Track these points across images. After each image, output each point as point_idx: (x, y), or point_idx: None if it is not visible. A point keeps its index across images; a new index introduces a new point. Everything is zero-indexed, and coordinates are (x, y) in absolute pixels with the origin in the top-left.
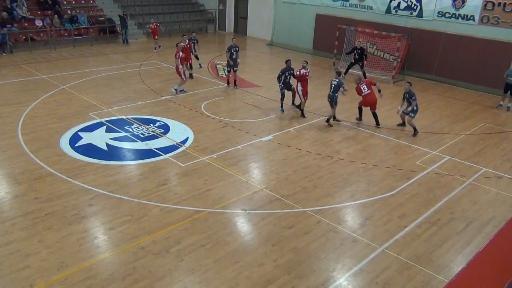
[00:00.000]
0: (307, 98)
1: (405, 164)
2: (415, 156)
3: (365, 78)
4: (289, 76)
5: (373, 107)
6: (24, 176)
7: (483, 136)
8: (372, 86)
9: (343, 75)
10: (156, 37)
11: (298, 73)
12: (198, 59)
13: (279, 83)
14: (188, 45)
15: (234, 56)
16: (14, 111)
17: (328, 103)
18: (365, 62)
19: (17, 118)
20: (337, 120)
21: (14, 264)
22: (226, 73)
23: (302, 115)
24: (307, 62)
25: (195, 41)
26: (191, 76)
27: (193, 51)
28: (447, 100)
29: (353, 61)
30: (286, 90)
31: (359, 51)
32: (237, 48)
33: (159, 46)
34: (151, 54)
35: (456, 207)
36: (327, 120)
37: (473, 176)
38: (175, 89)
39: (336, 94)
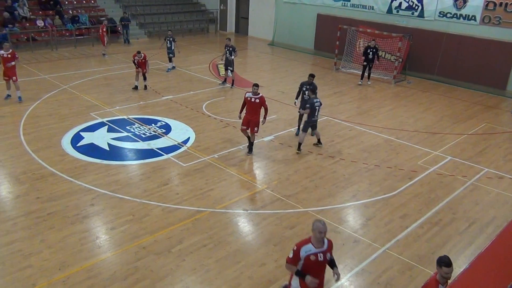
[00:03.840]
0: (252, 131)
1: (406, 165)
2: (417, 157)
3: (369, 79)
4: (307, 92)
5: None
6: (26, 176)
7: (485, 136)
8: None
9: (361, 81)
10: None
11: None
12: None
13: (296, 98)
14: (142, 60)
15: (227, 56)
16: (16, 111)
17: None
18: (376, 62)
19: (19, 118)
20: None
21: (16, 264)
22: (224, 73)
23: (249, 150)
24: (257, 86)
25: (172, 39)
26: (140, 88)
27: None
28: (448, 100)
29: (365, 63)
30: (301, 110)
31: (374, 50)
32: (230, 48)
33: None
34: (152, 53)
35: (458, 208)
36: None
37: (474, 176)
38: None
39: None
